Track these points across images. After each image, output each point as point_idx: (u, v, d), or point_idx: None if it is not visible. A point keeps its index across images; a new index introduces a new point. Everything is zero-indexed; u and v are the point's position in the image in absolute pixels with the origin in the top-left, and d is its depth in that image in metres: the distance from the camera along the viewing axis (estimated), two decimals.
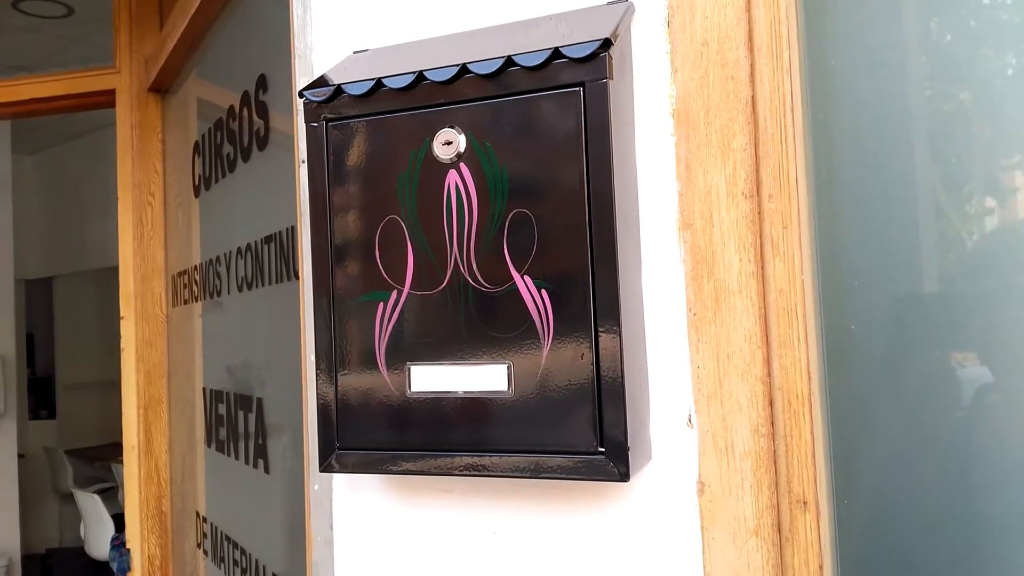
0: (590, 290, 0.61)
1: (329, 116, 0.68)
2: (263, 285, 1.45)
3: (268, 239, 1.41)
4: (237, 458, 1.60)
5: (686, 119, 0.66)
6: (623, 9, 0.65)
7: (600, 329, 0.60)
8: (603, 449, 0.61)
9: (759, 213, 0.63)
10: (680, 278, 0.66)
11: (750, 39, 0.64)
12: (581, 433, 0.61)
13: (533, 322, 0.62)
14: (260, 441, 1.48)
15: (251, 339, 1.55)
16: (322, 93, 0.68)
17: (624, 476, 0.60)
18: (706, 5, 0.65)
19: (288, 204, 1.24)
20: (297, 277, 1.31)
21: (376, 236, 0.67)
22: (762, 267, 0.63)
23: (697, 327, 0.65)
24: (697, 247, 0.65)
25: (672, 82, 0.66)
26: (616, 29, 0.61)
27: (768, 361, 0.63)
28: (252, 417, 1.51)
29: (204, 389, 1.83)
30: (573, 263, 0.61)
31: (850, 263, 0.69)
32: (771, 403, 0.63)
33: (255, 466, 1.50)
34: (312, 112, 0.69)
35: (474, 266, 0.64)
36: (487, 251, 0.63)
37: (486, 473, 0.66)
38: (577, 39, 0.61)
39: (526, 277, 0.62)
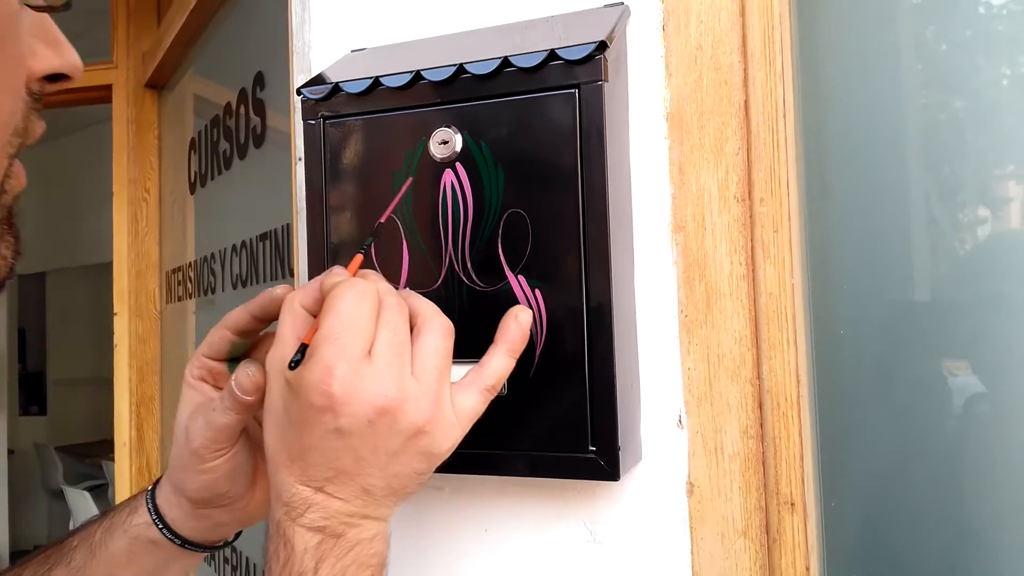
0: (583, 291, 0.61)
1: (326, 114, 0.69)
2: (258, 283, 1.45)
3: (263, 236, 1.42)
4: None
5: (680, 122, 0.66)
6: (619, 12, 0.66)
7: (593, 329, 0.61)
8: (594, 448, 0.61)
9: (751, 217, 0.64)
10: (672, 280, 0.67)
11: (744, 44, 0.64)
12: (573, 432, 0.62)
13: None
14: None
15: None
16: (320, 91, 0.69)
17: (615, 476, 0.61)
18: (701, 10, 0.66)
19: (284, 202, 1.25)
20: (292, 275, 1.31)
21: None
22: (753, 270, 0.64)
23: (688, 329, 0.66)
24: (689, 249, 0.66)
25: (666, 85, 0.67)
26: (612, 32, 0.62)
27: (758, 363, 0.64)
28: None
29: None
30: (567, 264, 0.62)
31: (840, 269, 0.70)
32: (760, 405, 0.64)
33: None
34: (309, 110, 0.69)
35: (469, 265, 0.64)
36: (482, 250, 0.64)
37: (478, 471, 0.66)
38: (573, 41, 0.62)
39: (520, 277, 0.63)
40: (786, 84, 0.64)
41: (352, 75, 0.69)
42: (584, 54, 0.60)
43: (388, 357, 0.50)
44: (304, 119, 0.70)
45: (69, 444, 5.96)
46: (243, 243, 1.52)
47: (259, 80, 1.44)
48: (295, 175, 0.89)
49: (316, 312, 0.54)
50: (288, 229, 1.31)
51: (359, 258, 0.59)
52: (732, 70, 0.65)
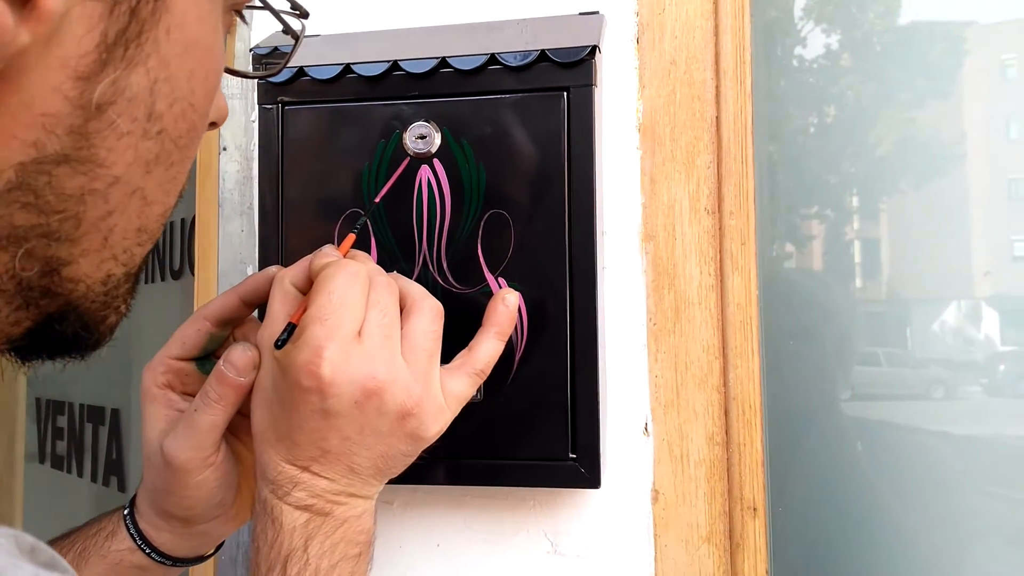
0: (566, 296, 0.60)
1: (287, 99, 0.64)
2: None
3: None
4: (81, 475, 1.44)
5: (652, 134, 0.67)
6: (599, 21, 0.66)
7: (577, 335, 0.60)
8: (575, 456, 0.60)
9: (720, 229, 0.66)
10: (641, 288, 0.67)
11: (717, 62, 0.66)
12: (553, 440, 0.60)
13: None
14: (115, 456, 1.34)
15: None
16: (280, 75, 0.64)
17: (595, 483, 0.60)
18: (676, 26, 0.67)
19: None
20: (175, 277, 1.21)
21: (335, 230, 0.63)
22: (721, 280, 0.66)
23: (656, 337, 0.67)
24: (659, 259, 0.67)
25: (640, 97, 0.68)
26: (600, 38, 0.62)
27: (725, 371, 0.65)
28: (105, 430, 1.37)
29: (38, 400, 1.65)
30: (550, 268, 0.60)
31: (788, 282, 0.73)
32: (726, 412, 0.65)
33: (106, 484, 1.36)
34: (267, 94, 0.64)
35: (444, 265, 0.62)
36: (460, 250, 0.61)
37: (444, 482, 0.63)
38: (554, 44, 0.61)
39: (500, 279, 0.61)
40: (753, 103, 0.67)
41: (317, 60, 0.64)
42: (577, 57, 0.60)
43: (378, 338, 0.49)
44: (260, 104, 0.65)
45: None
46: None
47: None
48: (217, 166, 0.82)
49: (306, 290, 0.52)
50: (173, 226, 1.21)
51: (351, 238, 0.56)
52: (705, 86, 0.66)
